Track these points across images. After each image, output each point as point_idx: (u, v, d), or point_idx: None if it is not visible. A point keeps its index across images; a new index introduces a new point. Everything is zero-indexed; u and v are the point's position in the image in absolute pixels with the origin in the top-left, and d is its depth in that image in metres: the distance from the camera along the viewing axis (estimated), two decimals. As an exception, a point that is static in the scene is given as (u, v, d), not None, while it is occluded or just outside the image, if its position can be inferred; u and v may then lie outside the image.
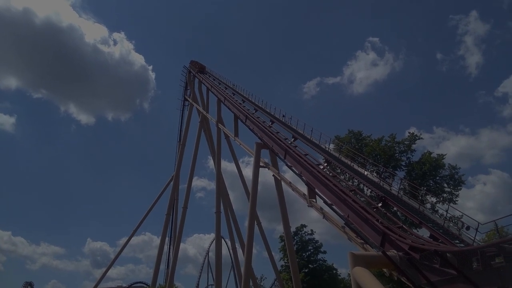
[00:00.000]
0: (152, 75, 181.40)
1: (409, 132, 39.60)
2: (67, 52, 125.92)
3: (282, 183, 29.36)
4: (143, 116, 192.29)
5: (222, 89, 46.10)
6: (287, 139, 28.90)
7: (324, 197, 20.20)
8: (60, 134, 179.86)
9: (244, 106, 38.09)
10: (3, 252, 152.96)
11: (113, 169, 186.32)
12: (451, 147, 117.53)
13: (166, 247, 62.20)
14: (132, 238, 67.17)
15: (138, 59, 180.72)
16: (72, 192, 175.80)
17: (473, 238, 14.04)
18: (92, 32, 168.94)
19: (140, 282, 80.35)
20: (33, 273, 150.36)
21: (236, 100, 40.52)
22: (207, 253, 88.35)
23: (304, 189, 23.43)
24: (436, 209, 25.21)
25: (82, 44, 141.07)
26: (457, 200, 35.04)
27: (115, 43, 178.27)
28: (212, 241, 79.27)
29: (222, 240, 56.46)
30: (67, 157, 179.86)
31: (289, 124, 33.18)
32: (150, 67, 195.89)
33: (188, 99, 61.34)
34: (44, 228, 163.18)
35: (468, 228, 14.40)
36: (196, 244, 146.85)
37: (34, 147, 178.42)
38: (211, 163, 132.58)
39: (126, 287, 79.65)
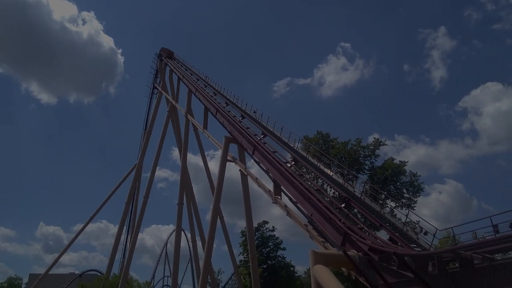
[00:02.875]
0: (121, 59, 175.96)
1: (374, 138, 40.83)
2: (33, 28, 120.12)
3: (248, 178, 29.30)
4: (108, 100, 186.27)
5: (194, 80, 45.35)
6: (256, 135, 28.83)
7: (289, 195, 20.32)
8: (18, 112, 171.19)
9: (216, 99, 37.64)
10: None
11: (73, 153, 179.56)
12: (411, 155, 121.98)
13: (123, 236, 60.82)
14: (88, 225, 65.17)
15: (107, 41, 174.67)
16: (27, 174, 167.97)
17: (430, 243, 14.52)
18: (60, 9, 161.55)
19: (93, 270, 77.91)
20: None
21: (208, 92, 39.98)
22: (165, 245, 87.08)
23: (270, 185, 23.48)
24: (394, 213, 26.03)
25: (50, 21, 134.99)
26: (415, 206, 36.41)
27: (84, 22, 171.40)
28: (172, 233, 78.19)
29: (182, 232, 55.88)
30: (24, 136, 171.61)
31: (259, 120, 33.10)
32: (120, 51, 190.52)
33: (158, 87, 59.96)
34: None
35: (426, 233, 14.88)
36: (154, 235, 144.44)
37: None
38: (175, 154, 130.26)
39: (79, 274, 77.04)
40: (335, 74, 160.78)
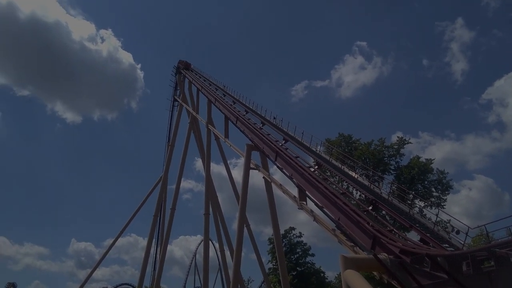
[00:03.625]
0: (141, 74, 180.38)
1: (397, 137, 40.09)
2: (54, 50, 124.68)
3: (272, 185, 29.26)
4: (130, 115, 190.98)
5: (213, 90, 45.86)
6: (278, 141, 28.82)
7: (314, 200, 20.14)
8: (45, 132, 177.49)
9: (235, 108, 37.91)
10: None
11: (100, 169, 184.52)
12: (437, 152, 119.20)
13: (152, 249, 61.66)
14: (118, 240, 66.44)
15: (126, 57, 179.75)
16: (57, 192, 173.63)
17: (462, 242, 14.12)
18: (79, 29, 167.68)
19: (126, 284, 79.38)
20: (16, 274, 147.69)
21: (227, 102, 40.33)
22: (194, 255, 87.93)
23: (294, 191, 23.37)
24: (424, 213, 25.42)
25: (69, 42, 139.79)
26: (444, 205, 35.48)
27: (102, 40, 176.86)
28: (200, 243, 78.84)
29: (210, 242, 56.11)
30: (52, 156, 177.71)
31: (280, 126, 33.13)
32: (139, 66, 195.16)
33: (178, 99, 60.87)
34: (27, 228, 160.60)
35: (458, 232, 14.49)
36: (183, 246, 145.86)
37: (18, 145, 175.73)
38: (198, 164, 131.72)
39: (111, 289, 78.47)
40: (353, 74, 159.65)
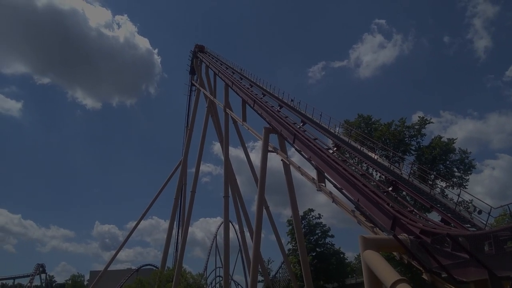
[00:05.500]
0: (158, 59, 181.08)
1: (418, 116, 39.22)
2: (72, 37, 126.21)
3: (291, 167, 29.32)
4: (149, 100, 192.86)
5: (230, 74, 45.76)
6: (295, 123, 28.71)
7: (333, 181, 20.14)
8: (66, 119, 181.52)
9: (252, 91, 37.81)
10: (14, 235, 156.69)
11: (120, 154, 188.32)
12: (459, 131, 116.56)
13: (174, 231, 63.16)
14: (140, 222, 68.29)
15: (143, 43, 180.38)
16: (79, 177, 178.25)
17: (485, 222, 13.91)
18: (95, 16, 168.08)
19: (149, 265, 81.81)
20: (43, 255, 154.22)
21: (244, 85, 40.22)
22: (215, 237, 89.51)
23: (313, 173, 23.40)
24: (446, 193, 25.06)
25: (87, 29, 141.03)
26: (467, 185, 34.80)
27: (118, 26, 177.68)
28: (220, 225, 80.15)
29: (230, 224, 57.00)
30: (74, 141, 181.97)
31: (297, 108, 32.91)
32: (156, 51, 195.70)
33: (195, 84, 61.06)
34: (53, 212, 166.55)
35: (480, 212, 14.26)
36: (203, 228, 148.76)
37: (42, 132, 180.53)
38: (216, 148, 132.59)
39: (135, 269, 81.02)
40: (372, 53, 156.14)
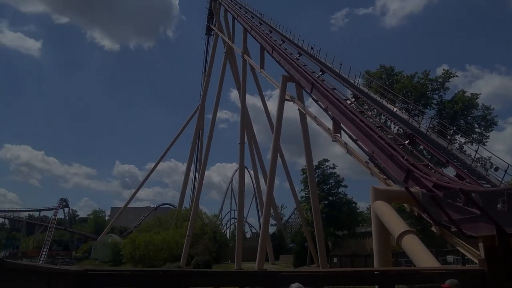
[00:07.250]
0: (176, 1, 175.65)
1: (443, 69, 37.66)
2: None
3: (307, 117, 29.16)
4: (167, 44, 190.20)
5: (249, 18, 44.25)
6: (314, 72, 28.06)
7: (349, 132, 20.03)
8: (85, 59, 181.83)
9: (271, 37, 36.68)
10: (39, 170, 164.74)
11: (139, 97, 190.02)
12: (484, 86, 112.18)
13: (191, 174, 65.17)
14: (159, 164, 70.49)
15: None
16: (99, 118, 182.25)
17: (500, 180, 13.79)
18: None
19: (167, 204, 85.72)
20: (66, 191, 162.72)
21: (263, 30, 38.98)
22: (231, 181, 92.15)
23: (329, 124, 23.25)
24: (464, 149, 24.67)
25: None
26: (486, 141, 34.11)
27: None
28: (236, 171, 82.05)
29: (245, 170, 58.27)
30: (93, 82, 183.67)
31: (317, 57, 31.99)
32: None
33: (214, 28, 59.58)
34: (74, 150, 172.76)
35: (496, 169, 14.11)
36: (220, 172, 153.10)
37: (60, 71, 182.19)
38: (233, 95, 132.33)
39: (154, 208, 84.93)
40: (399, 1, 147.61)
